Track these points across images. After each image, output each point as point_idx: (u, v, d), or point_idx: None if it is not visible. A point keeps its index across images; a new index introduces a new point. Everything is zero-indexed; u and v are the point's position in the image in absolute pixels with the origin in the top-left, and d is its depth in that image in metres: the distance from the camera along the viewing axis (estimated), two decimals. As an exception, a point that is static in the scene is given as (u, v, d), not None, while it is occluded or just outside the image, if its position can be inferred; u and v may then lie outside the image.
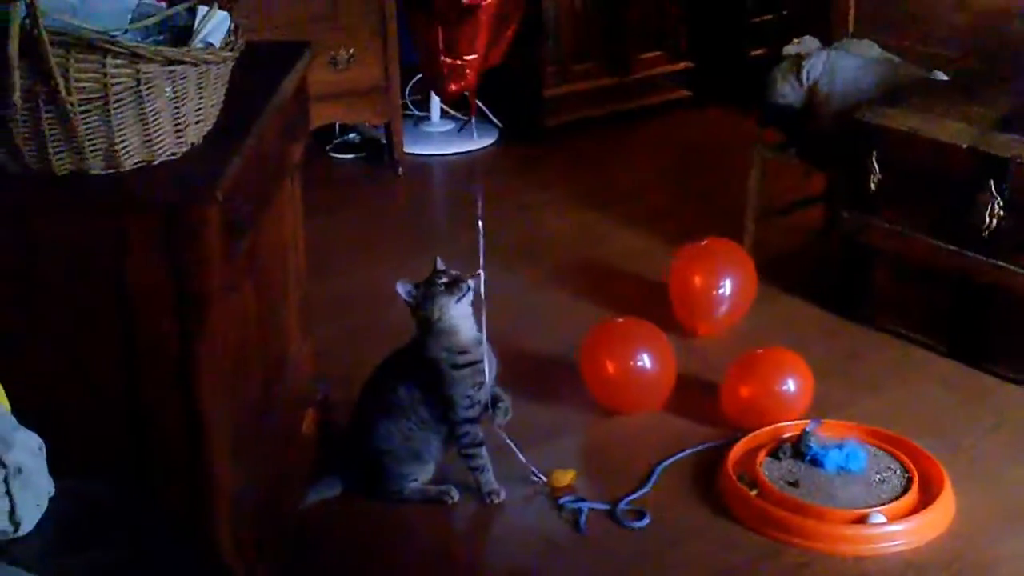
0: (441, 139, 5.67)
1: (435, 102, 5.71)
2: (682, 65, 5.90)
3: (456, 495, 3.15)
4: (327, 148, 5.49)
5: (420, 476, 3.15)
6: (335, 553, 3.01)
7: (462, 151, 5.59)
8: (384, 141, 5.37)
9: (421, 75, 5.53)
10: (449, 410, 3.08)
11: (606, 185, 5.20)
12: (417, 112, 5.79)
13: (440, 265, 3.06)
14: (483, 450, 3.13)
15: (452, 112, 5.76)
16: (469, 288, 3.02)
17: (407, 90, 5.63)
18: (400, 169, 5.32)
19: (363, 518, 3.13)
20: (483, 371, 3.07)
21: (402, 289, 3.03)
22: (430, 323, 3.02)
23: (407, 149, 5.41)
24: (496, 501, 3.13)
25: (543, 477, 3.20)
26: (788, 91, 4.21)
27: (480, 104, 5.62)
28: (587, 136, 5.65)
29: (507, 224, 4.65)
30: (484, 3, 5.09)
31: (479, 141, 5.64)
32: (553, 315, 4.07)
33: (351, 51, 4.96)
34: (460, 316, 3.02)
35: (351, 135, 5.56)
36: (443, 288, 3.00)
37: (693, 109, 5.91)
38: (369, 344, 3.42)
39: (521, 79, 5.62)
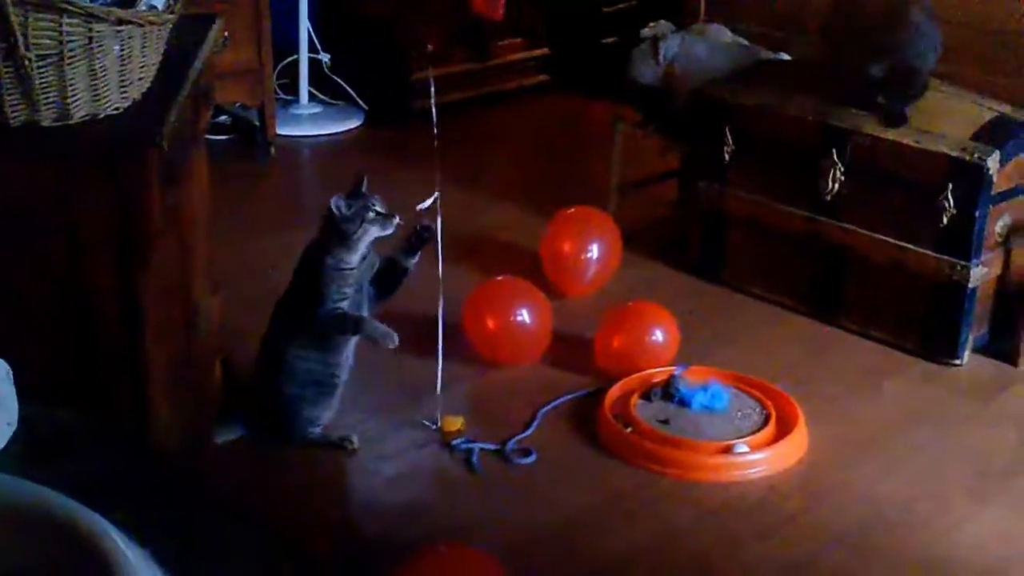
0: (309, 121, 5.86)
1: (303, 85, 5.91)
2: (540, 51, 6.21)
3: (356, 442, 3.36)
4: (199, 129, 5.63)
5: (325, 418, 3.36)
6: (238, 494, 3.19)
7: (330, 133, 5.80)
8: (256, 123, 5.55)
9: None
10: (317, 306, 3.23)
11: (473, 164, 5.46)
12: (285, 96, 5.97)
13: (366, 187, 3.26)
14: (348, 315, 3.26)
15: (319, 95, 5.96)
16: (394, 226, 3.25)
17: (275, 73, 5.80)
18: (272, 149, 5.50)
19: (266, 460, 3.32)
20: (357, 281, 3.28)
21: (335, 203, 3.21)
22: (346, 236, 3.21)
23: (277, 131, 5.60)
24: (391, 345, 3.26)
25: (436, 422, 3.44)
26: (646, 71, 4.53)
27: (346, 87, 5.87)
28: (452, 119, 5.85)
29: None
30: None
31: (346, 123, 5.86)
32: (433, 281, 4.28)
33: (225, 34, 5.11)
34: (370, 241, 3.26)
35: (223, 117, 5.71)
36: (375, 217, 3.21)
37: (551, 93, 6.23)
38: (249, 313, 3.59)
39: (387, 63, 5.85)
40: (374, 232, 3.23)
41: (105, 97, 2.35)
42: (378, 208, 3.23)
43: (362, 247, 3.26)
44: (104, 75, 2.32)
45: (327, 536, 3.05)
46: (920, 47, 3.81)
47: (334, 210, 3.21)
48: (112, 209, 2.32)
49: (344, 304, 3.26)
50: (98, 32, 2.26)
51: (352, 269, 3.26)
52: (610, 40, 6.13)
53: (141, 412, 2.45)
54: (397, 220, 3.26)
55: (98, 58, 2.28)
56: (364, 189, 3.27)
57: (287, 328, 3.31)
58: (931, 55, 3.83)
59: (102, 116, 2.37)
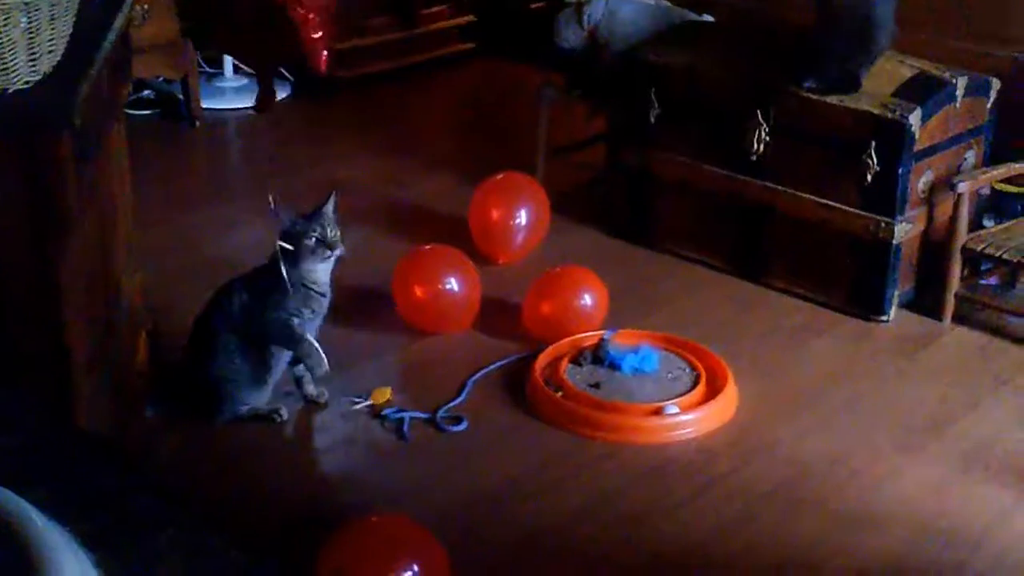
0: (234, 94, 5.80)
1: (228, 58, 5.84)
2: (465, 19, 6.18)
3: (286, 413, 3.34)
4: (122, 104, 5.56)
5: (257, 400, 3.33)
6: (169, 470, 3.16)
7: (256, 105, 5.73)
8: (180, 96, 5.48)
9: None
10: (271, 309, 3.21)
11: (401, 133, 5.44)
12: (209, 69, 5.90)
13: (331, 203, 3.24)
14: (294, 330, 3.25)
15: (244, 68, 5.90)
16: (333, 255, 3.21)
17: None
18: (197, 123, 5.44)
19: (196, 434, 3.30)
20: (320, 303, 3.26)
21: (284, 216, 3.19)
22: (292, 250, 3.18)
23: (202, 104, 5.53)
24: (320, 372, 3.28)
25: (365, 400, 3.41)
26: (571, 36, 4.52)
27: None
28: (379, 88, 5.87)
29: (305, 172, 4.85)
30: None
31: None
32: (361, 250, 4.24)
33: (146, 7, 5.04)
34: (321, 270, 3.24)
35: (146, 92, 5.64)
36: (315, 245, 3.18)
37: (477, 60, 6.21)
38: (176, 288, 3.55)
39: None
40: (310, 258, 3.20)
41: (14, 71, 2.30)
42: (317, 235, 3.18)
43: (317, 267, 3.21)
44: (12, 48, 2.26)
45: (257, 509, 3.03)
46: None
47: (279, 222, 3.19)
48: (25, 187, 2.28)
49: (295, 322, 3.24)
50: (4, 4, 2.21)
51: (323, 295, 3.24)
52: (536, 5, 6.12)
53: (63, 389, 2.41)
54: (334, 254, 3.22)
55: (5, 32, 2.23)
56: (327, 206, 3.22)
57: (231, 317, 3.27)
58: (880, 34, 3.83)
59: (11, 91, 2.32)
